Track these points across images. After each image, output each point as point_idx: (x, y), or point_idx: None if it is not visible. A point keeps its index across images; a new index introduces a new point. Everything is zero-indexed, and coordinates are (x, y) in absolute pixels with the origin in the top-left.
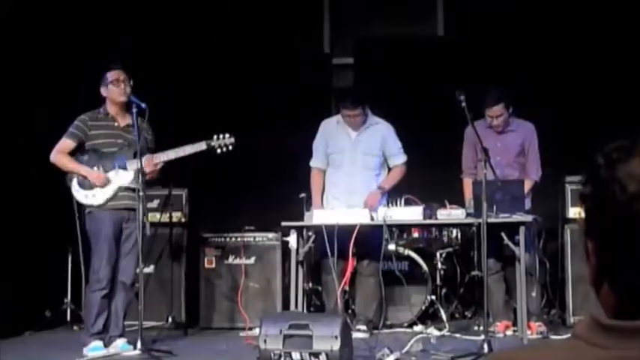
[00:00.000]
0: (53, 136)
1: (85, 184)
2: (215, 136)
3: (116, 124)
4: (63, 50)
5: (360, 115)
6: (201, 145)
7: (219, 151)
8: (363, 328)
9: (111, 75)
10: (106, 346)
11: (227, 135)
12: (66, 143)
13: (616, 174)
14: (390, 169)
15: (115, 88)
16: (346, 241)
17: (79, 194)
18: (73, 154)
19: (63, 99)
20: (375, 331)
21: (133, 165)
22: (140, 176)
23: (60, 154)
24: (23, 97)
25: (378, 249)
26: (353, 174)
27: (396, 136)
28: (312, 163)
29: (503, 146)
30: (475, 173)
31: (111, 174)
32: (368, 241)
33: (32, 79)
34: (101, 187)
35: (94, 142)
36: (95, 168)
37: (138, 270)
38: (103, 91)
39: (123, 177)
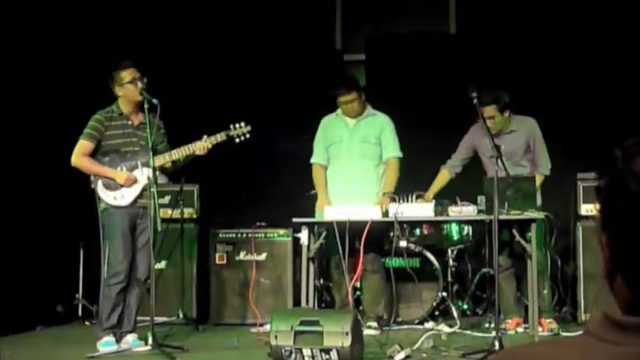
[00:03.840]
0: (67, 133)
1: (111, 186)
2: (232, 126)
3: (130, 122)
4: (76, 49)
5: (356, 99)
6: (222, 136)
7: (237, 140)
8: (374, 324)
9: (127, 74)
10: (117, 341)
11: (243, 124)
12: (86, 145)
13: (632, 166)
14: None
15: (133, 87)
16: (356, 238)
17: (107, 196)
18: (92, 155)
19: (76, 97)
20: (386, 328)
21: (155, 163)
22: (152, 173)
23: (82, 158)
24: (37, 95)
25: (381, 244)
26: (351, 163)
27: (395, 132)
28: (313, 159)
29: (509, 148)
30: (456, 172)
31: (136, 172)
32: (371, 236)
33: (46, 78)
34: (129, 186)
35: (112, 143)
36: (119, 168)
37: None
38: (119, 91)
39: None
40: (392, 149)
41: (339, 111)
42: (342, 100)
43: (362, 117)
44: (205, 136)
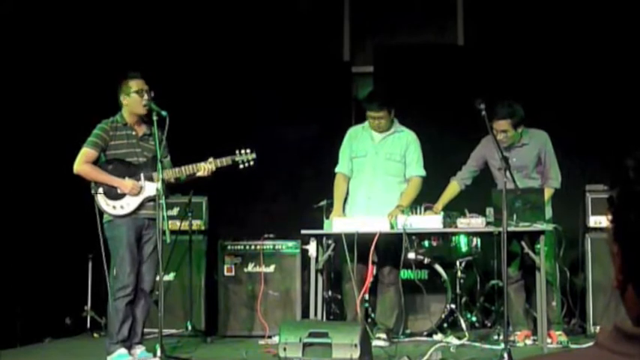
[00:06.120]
0: (73, 144)
1: (112, 194)
2: (238, 152)
3: (134, 133)
4: (81, 59)
5: (385, 117)
6: (227, 160)
7: (241, 166)
8: (383, 336)
9: (135, 84)
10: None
11: (249, 150)
12: (90, 153)
13: None
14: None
15: (138, 98)
16: (366, 249)
17: (107, 205)
18: (95, 163)
19: (83, 107)
20: (395, 340)
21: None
22: (160, 184)
23: (86, 165)
24: (44, 105)
25: (398, 257)
26: (374, 179)
27: (420, 149)
28: (337, 169)
29: (519, 161)
30: (466, 184)
31: (139, 184)
32: (388, 248)
33: (53, 87)
34: (135, 195)
35: (117, 152)
36: (127, 178)
37: (158, 277)
38: (123, 100)
39: (150, 188)
40: (415, 167)
41: (366, 123)
42: (370, 115)
43: (388, 133)
44: (211, 158)
